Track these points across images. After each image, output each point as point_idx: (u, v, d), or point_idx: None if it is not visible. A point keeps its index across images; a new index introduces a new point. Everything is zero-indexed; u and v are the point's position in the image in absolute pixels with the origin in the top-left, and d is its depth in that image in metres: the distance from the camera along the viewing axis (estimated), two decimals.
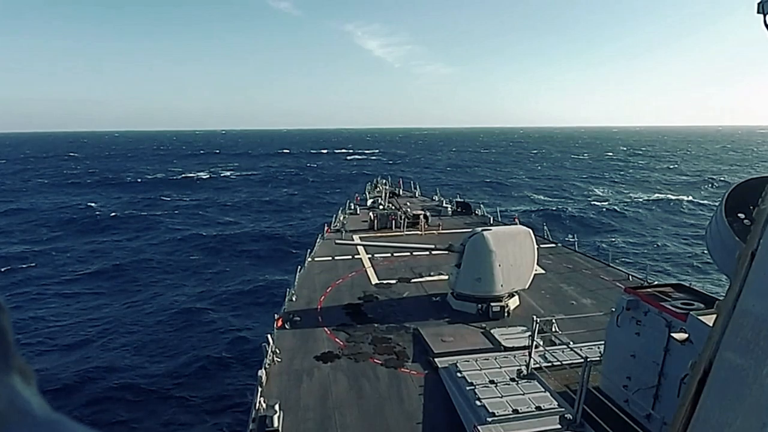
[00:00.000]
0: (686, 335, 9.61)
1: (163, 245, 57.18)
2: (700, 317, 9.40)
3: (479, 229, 25.38)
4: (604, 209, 73.75)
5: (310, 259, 32.06)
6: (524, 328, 20.82)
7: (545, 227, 40.55)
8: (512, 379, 17.41)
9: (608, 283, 27.73)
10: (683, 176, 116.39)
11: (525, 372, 17.02)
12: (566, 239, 38.65)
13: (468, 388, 17.08)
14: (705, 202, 76.81)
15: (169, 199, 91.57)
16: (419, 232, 39.22)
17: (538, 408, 15.76)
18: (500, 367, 18.22)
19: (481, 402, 16.18)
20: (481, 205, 48.56)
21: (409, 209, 43.63)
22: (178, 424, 24.00)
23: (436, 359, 19.53)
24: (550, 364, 14.89)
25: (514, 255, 24.11)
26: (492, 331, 21.63)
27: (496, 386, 17.04)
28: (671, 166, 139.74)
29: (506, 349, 20.04)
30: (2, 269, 47.41)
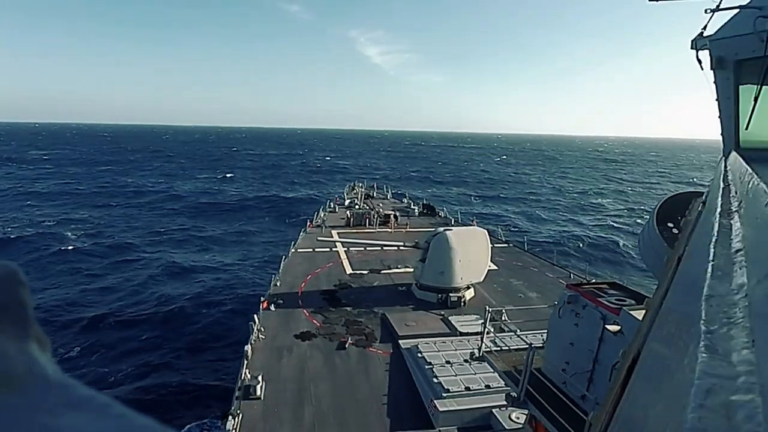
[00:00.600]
0: (618, 327, 9.71)
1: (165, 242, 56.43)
2: (631, 312, 9.50)
3: (442, 228, 25.55)
4: (555, 215, 74.41)
5: (293, 250, 32.00)
6: (478, 316, 20.95)
7: (499, 229, 40.85)
8: (466, 361, 17.55)
9: (552, 279, 28.02)
10: (620, 183, 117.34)
11: (477, 354, 17.13)
12: (517, 240, 38.98)
13: (427, 367, 17.17)
14: (639, 209, 77.66)
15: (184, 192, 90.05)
16: (389, 230, 39.25)
17: (488, 386, 15.90)
18: (455, 350, 18.36)
19: (438, 379, 16.28)
20: (444, 208, 48.80)
21: (381, 209, 43.72)
22: (169, 388, 23.77)
23: (400, 341, 19.59)
24: (499, 348, 14.96)
25: (471, 252, 24.28)
26: (450, 318, 21.76)
27: (451, 366, 17.16)
28: (618, 175, 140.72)
29: (461, 334, 20.17)
30: None
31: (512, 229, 59.32)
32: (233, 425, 14.24)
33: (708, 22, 6.77)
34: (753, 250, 1.98)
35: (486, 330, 16.56)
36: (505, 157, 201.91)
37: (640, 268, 40.74)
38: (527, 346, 12.10)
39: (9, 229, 53.30)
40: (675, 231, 10.59)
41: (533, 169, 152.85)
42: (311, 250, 32.58)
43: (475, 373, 16.66)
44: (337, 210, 46.35)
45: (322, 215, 43.26)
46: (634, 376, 2.97)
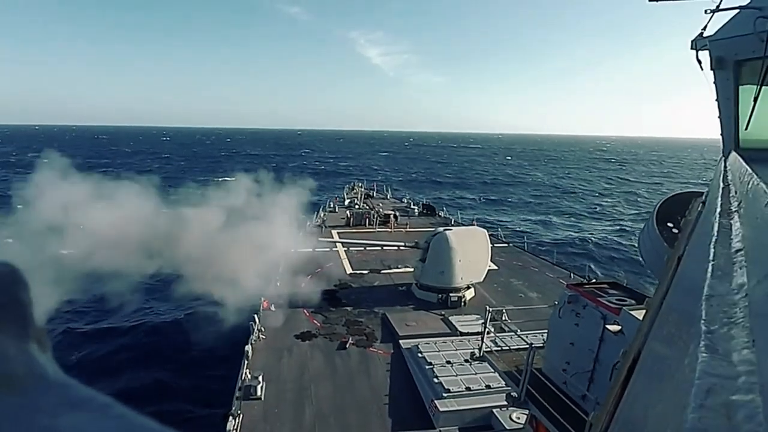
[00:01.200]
0: (619, 327, 9.71)
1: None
2: (631, 312, 9.50)
3: (442, 228, 25.56)
4: (556, 214, 74.37)
5: (293, 250, 31.99)
6: (478, 316, 20.95)
7: (499, 229, 40.84)
8: (466, 361, 17.56)
9: (553, 279, 28.02)
10: (624, 183, 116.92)
11: (477, 354, 17.12)
12: (517, 240, 38.98)
13: (427, 367, 17.18)
14: (639, 210, 77.55)
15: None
16: (389, 230, 39.26)
17: (488, 386, 15.90)
18: (456, 350, 18.36)
19: (438, 379, 16.29)
20: (444, 208, 48.77)
21: (381, 209, 43.74)
22: (169, 388, 23.74)
23: (400, 341, 19.59)
24: (499, 348, 14.96)
25: (471, 252, 24.29)
26: (450, 318, 21.76)
27: (452, 366, 17.17)
28: (616, 175, 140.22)
29: (462, 334, 20.18)
30: None
31: (512, 229, 59.30)
32: (233, 425, 14.24)
33: (708, 22, 6.78)
34: (753, 250, 1.98)
35: (486, 330, 16.55)
36: (510, 158, 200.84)
37: (641, 268, 40.77)
38: (527, 346, 12.10)
39: None
40: (675, 231, 10.59)
41: (534, 169, 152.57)
42: (311, 250, 32.57)
43: (475, 373, 16.66)
44: (337, 210, 46.35)
45: (322, 215, 43.27)
46: (635, 376, 2.97)
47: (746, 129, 7.14)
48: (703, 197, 6.80)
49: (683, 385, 1.08)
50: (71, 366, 25.78)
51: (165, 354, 27.55)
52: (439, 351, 18.21)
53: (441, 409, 15.06)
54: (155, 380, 24.54)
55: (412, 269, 26.03)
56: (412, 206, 49.52)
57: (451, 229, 25.48)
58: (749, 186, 3.26)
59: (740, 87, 7.13)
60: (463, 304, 23.73)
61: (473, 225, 33.57)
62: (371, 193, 56.67)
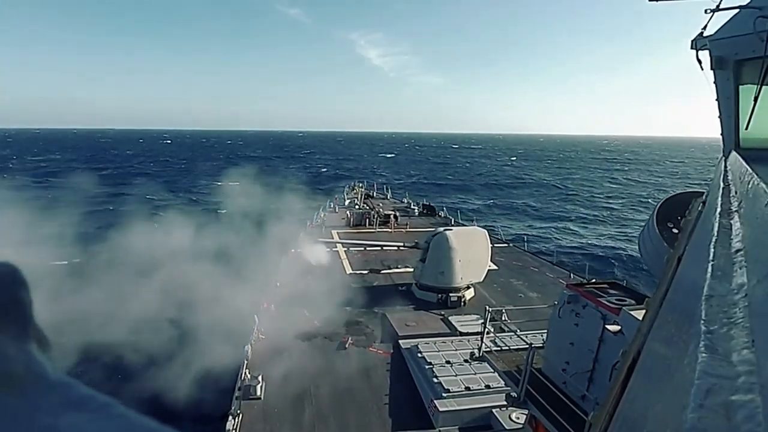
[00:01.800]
0: (619, 327, 9.72)
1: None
2: (631, 312, 9.50)
3: (442, 228, 25.56)
4: (556, 213, 74.37)
5: (293, 250, 32.01)
6: (478, 316, 20.95)
7: (499, 229, 40.84)
8: (466, 361, 17.55)
9: (552, 279, 28.01)
10: (626, 183, 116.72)
11: (477, 354, 17.13)
12: (517, 240, 39.00)
13: (427, 367, 17.17)
14: (639, 209, 77.48)
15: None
16: (389, 230, 39.24)
17: (488, 386, 15.90)
18: (456, 350, 18.36)
19: (438, 379, 16.29)
20: (444, 208, 48.73)
21: (381, 209, 43.71)
22: (169, 388, 23.73)
23: (400, 341, 19.59)
24: (499, 348, 14.98)
25: (471, 252, 24.28)
26: (450, 318, 21.76)
27: (451, 366, 17.16)
28: (616, 175, 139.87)
29: (461, 334, 20.17)
30: None
31: (512, 229, 59.28)
32: (233, 425, 14.25)
33: (708, 22, 6.78)
34: (753, 250, 1.98)
35: (486, 330, 16.56)
36: (513, 158, 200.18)
37: (641, 268, 40.77)
38: (527, 346, 12.10)
39: None
40: (675, 231, 10.60)
41: (535, 169, 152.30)
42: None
43: (475, 373, 16.66)
44: (337, 210, 46.34)
45: (322, 215, 43.26)
46: (634, 376, 2.97)
47: (746, 129, 7.15)
48: (703, 197, 6.81)
49: (683, 385, 1.08)
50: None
51: (165, 354, 27.54)
52: (438, 351, 18.21)
53: (440, 409, 15.06)
54: (155, 380, 24.53)
55: (412, 269, 26.02)
56: (412, 206, 49.48)
57: (451, 229, 25.47)
58: (749, 186, 3.26)
59: (740, 87, 7.14)
60: (463, 304, 23.73)
61: (473, 225, 33.58)
62: (371, 194, 56.63)
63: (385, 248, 32.52)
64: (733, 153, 7.03)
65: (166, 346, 22.67)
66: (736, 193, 3.76)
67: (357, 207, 46.33)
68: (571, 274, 28.63)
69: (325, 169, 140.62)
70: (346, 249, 33.11)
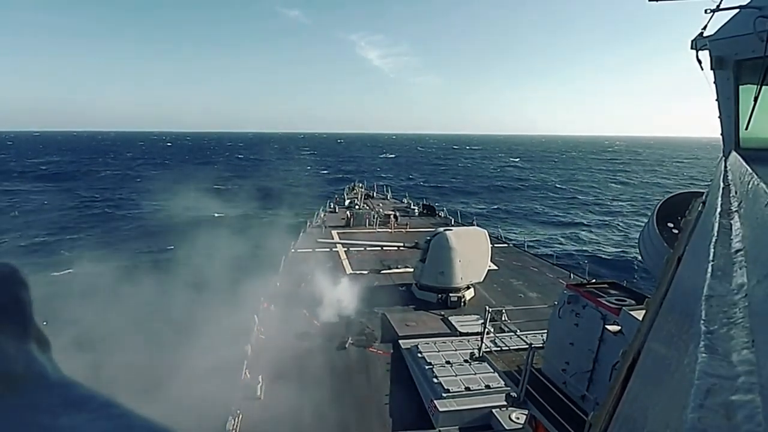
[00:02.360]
0: (619, 327, 9.71)
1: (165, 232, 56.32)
2: (631, 312, 9.49)
3: (442, 229, 25.59)
4: (555, 213, 74.37)
5: (293, 250, 32.02)
6: (478, 317, 20.96)
7: (499, 229, 40.85)
8: (466, 361, 17.56)
9: (552, 279, 28.02)
10: (625, 184, 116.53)
11: (477, 355, 17.13)
12: (517, 240, 39.03)
13: (427, 367, 17.18)
14: (639, 210, 77.41)
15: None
16: (389, 230, 39.26)
17: (488, 386, 15.91)
18: (456, 350, 18.37)
19: (438, 379, 16.30)
20: (444, 208, 48.72)
21: (381, 209, 43.76)
22: (169, 388, 23.73)
23: (400, 341, 19.60)
24: (499, 348, 14.97)
25: (471, 252, 24.30)
26: (450, 318, 21.78)
27: (451, 366, 17.17)
28: (618, 176, 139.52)
29: (461, 334, 20.19)
30: None
31: (513, 229, 59.28)
32: (233, 425, 14.25)
33: (708, 22, 6.78)
34: (753, 250, 1.98)
35: (486, 330, 16.56)
36: (517, 160, 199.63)
37: (641, 268, 40.74)
38: (527, 346, 12.10)
39: None
40: (675, 231, 10.60)
41: (537, 170, 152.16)
42: (311, 250, 32.59)
43: (475, 373, 16.67)
44: (337, 210, 46.38)
45: (322, 215, 43.29)
46: (634, 376, 2.97)
47: (746, 129, 7.15)
48: (703, 197, 6.80)
49: (683, 385, 1.08)
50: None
51: (162, 351, 27.54)
52: (438, 351, 18.22)
53: (440, 409, 15.06)
54: (155, 379, 24.53)
55: (412, 269, 26.03)
56: (412, 206, 49.51)
57: (451, 230, 25.50)
58: (749, 186, 3.26)
59: (740, 87, 7.14)
60: (462, 304, 23.74)
61: (473, 225, 33.61)
62: (371, 194, 56.69)
63: (385, 248, 32.54)
64: (733, 153, 7.03)
65: None
66: (736, 193, 3.76)
67: (357, 207, 46.36)
68: (571, 274, 28.63)
69: (326, 171, 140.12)
70: (346, 249, 33.11)
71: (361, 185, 57.70)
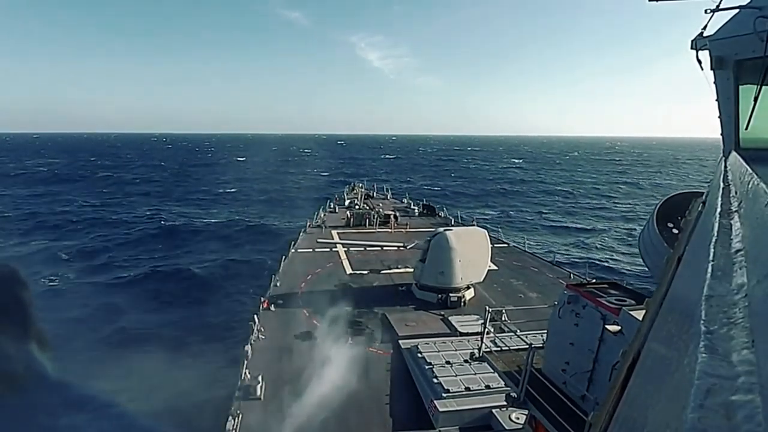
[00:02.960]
0: (619, 327, 9.70)
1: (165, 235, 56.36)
2: (631, 312, 9.48)
3: (442, 229, 25.60)
4: (553, 213, 74.36)
5: (293, 250, 32.01)
6: (478, 317, 20.96)
7: (499, 229, 40.83)
8: (466, 361, 17.56)
9: (552, 279, 28.01)
10: (624, 184, 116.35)
11: (477, 355, 17.12)
12: (517, 240, 39.04)
13: (427, 367, 17.18)
14: (639, 210, 77.36)
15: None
16: (389, 230, 39.24)
17: (488, 386, 15.90)
18: (456, 350, 18.37)
19: (438, 379, 16.29)
20: (444, 208, 48.70)
21: (381, 209, 43.71)
22: (169, 389, 23.74)
23: (400, 341, 19.59)
24: (499, 348, 14.96)
25: (471, 252, 24.29)
26: (450, 318, 21.78)
27: (451, 366, 17.17)
28: (619, 176, 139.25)
29: (461, 334, 20.19)
30: None
31: (513, 229, 59.25)
32: (233, 425, 14.25)
33: (708, 22, 6.78)
34: (753, 250, 1.98)
35: (486, 330, 16.56)
36: (519, 161, 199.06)
37: (641, 268, 40.74)
38: (527, 346, 12.10)
39: None
40: (675, 231, 10.60)
41: (538, 171, 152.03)
42: (311, 250, 32.59)
43: (475, 374, 16.66)
44: (337, 210, 46.36)
45: (322, 215, 43.27)
46: (634, 376, 2.97)
47: (746, 129, 7.14)
48: (703, 197, 6.80)
49: (683, 385, 1.08)
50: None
51: (163, 352, 27.55)
52: (438, 351, 18.21)
53: (440, 409, 15.06)
54: (155, 379, 24.55)
55: (412, 269, 26.02)
56: (412, 206, 49.48)
57: (451, 230, 25.51)
58: (749, 186, 3.26)
59: (740, 87, 7.14)
60: (462, 304, 23.74)
61: (473, 225, 33.59)
62: (371, 194, 56.67)
63: (385, 248, 32.54)
64: (733, 153, 7.03)
65: None
66: (736, 193, 3.76)
67: (357, 207, 46.32)
68: (571, 274, 28.64)
69: (326, 173, 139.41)
70: (346, 249, 33.11)
71: (361, 185, 57.68)
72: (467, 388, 15.88)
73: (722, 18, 6.72)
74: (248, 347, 18.32)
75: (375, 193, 57.95)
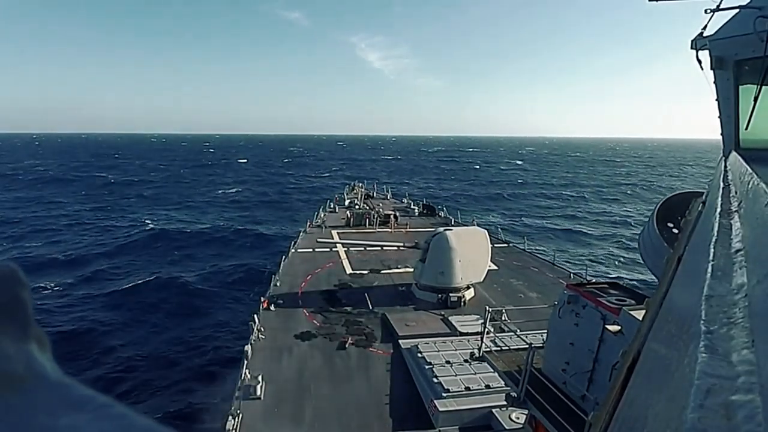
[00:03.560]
0: (619, 327, 9.70)
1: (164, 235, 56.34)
2: (631, 312, 9.48)
3: (442, 228, 25.57)
4: (553, 214, 74.40)
5: (293, 250, 32.00)
6: (478, 316, 20.95)
7: (499, 229, 40.83)
8: (466, 361, 17.56)
9: (552, 279, 28.00)
10: (623, 184, 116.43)
11: (477, 354, 17.13)
12: (517, 240, 39.04)
13: (427, 367, 17.18)
14: (639, 210, 77.39)
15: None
16: (389, 230, 39.23)
17: (488, 386, 15.90)
18: (456, 350, 18.37)
19: (438, 379, 16.29)
20: (444, 208, 48.68)
21: (381, 209, 43.68)
22: (169, 389, 23.77)
23: (400, 341, 19.58)
24: (499, 348, 14.96)
25: (471, 252, 24.29)
26: (450, 318, 21.76)
27: (451, 366, 17.17)
28: (620, 176, 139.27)
29: (461, 334, 20.18)
30: None
31: (513, 229, 59.27)
32: (233, 425, 14.24)
33: (708, 22, 6.78)
34: (753, 250, 1.98)
35: (486, 330, 16.56)
36: (520, 162, 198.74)
37: (641, 268, 40.72)
38: (527, 346, 12.11)
39: None
40: (675, 231, 10.60)
41: (539, 172, 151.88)
42: (311, 249, 32.58)
43: (475, 373, 16.66)
44: (337, 210, 46.32)
45: (322, 215, 43.24)
46: (634, 376, 2.97)
47: (746, 129, 7.15)
48: (703, 197, 6.80)
49: (683, 385, 1.08)
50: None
51: (164, 353, 27.57)
52: (438, 351, 18.21)
53: (440, 409, 15.06)
54: (155, 379, 24.59)
55: (412, 269, 26.01)
56: (412, 206, 49.44)
57: (451, 229, 25.49)
58: (749, 186, 3.26)
59: (740, 87, 7.14)
60: (462, 304, 23.73)
61: (473, 225, 33.57)
62: (371, 194, 56.64)
63: (385, 248, 32.53)
64: (733, 153, 7.03)
65: None
66: (736, 193, 3.76)
67: (357, 207, 46.27)
68: (571, 274, 28.63)
69: (327, 174, 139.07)
70: (346, 249, 33.10)
71: (361, 185, 57.61)
72: (467, 388, 15.88)
73: (722, 18, 6.73)
74: (248, 347, 18.30)
75: (375, 193, 57.93)
